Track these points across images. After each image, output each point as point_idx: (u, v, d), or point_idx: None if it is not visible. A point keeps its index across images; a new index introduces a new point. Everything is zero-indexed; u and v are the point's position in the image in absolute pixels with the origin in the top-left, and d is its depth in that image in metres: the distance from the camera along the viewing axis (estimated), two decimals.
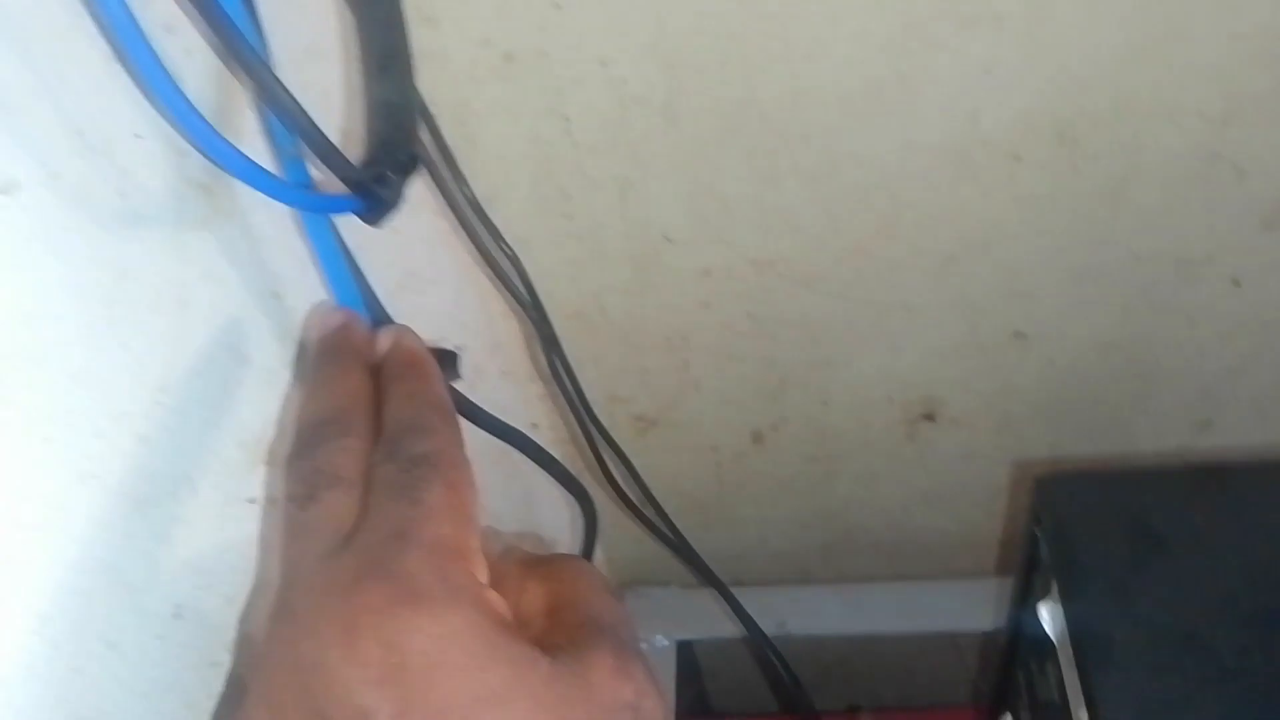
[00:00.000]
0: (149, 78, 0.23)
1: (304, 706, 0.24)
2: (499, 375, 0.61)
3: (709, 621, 0.73)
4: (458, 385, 0.38)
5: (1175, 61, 0.47)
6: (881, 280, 0.58)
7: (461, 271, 0.53)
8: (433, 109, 0.45)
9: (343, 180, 0.27)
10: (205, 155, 0.24)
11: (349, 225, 0.34)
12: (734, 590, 0.70)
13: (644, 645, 0.64)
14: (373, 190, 0.28)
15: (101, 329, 0.26)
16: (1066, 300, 0.59)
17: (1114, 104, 0.49)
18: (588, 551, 0.55)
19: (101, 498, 0.25)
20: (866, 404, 0.66)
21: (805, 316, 0.60)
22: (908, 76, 0.48)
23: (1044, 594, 0.50)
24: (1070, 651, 0.47)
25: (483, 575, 0.28)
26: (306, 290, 0.36)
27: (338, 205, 0.29)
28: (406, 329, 0.35)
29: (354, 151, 0.37)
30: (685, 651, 0.73)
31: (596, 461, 0.60)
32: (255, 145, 0.33)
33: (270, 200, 0.29)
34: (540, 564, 0.32)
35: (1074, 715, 0.47)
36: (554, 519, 0.67)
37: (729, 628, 0.72)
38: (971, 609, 0.71)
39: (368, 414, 0.31)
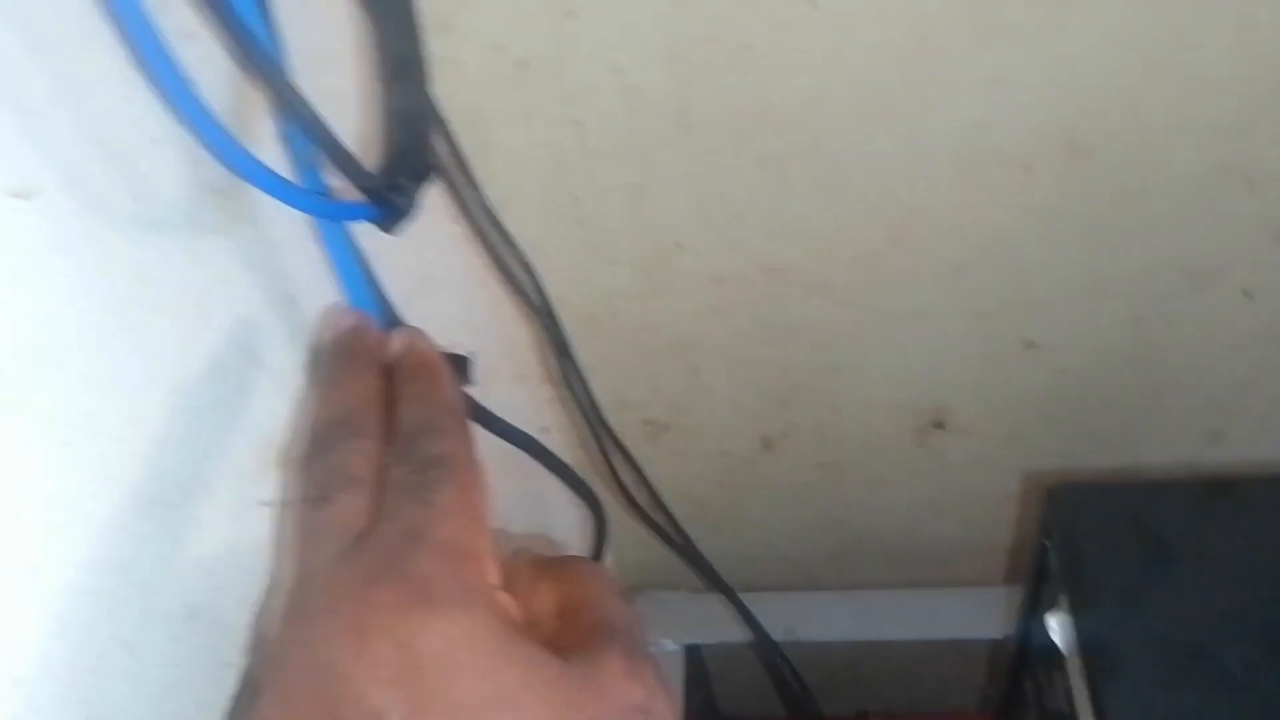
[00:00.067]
0: (167, 86, 0.23)
1: (317, 707, 0.25)
2: (511, 379, 0.61)
3: (717, 626, 0.73)
4: (470, 390, 0.38)
5: (1187, 74, 0.47)
6: (892, 288, 0.58)
7: (474, 276, 0.53)
8: (446, 114, 0.45)
9: (359, 188, 0.28)
10: (223, 163, 0.24)
11: (363, 230, 0.34)
12: (742, 595, 0.70)
13: (652, 649, 0.64)
14: (389, 198, 0.28)
15: (119, 333, 0.26)
16: (1077, 310, 0.59)
17: (1126, 115, 0.49)
18: (597, 556, 0.55)
19: (118, 500, 0.26)
20: (876, 411, 0.66)
21: (816, 323, 0.61)
22: (920, 86, 0.48)
23: (1053, 605, 0.50)
24: (1079, 662, 0.47)
25: (494, 577, 0.28)
26: (321, 294, 0.36)
27: (354, 213, 0.29)
28: (418, 331, 0.35)
29: (370, 158, 0.37)
30: (693, 656, 0.74)
31: (606, 466, 0.61)
32: (272, 151, 0.33)
33: (286, 206, 0.29)
34: (552, 565, 0.32)
35: None
36: (564, 522, 0.67)
37: (737, 633, 0.72)
38: (980, 617, 0.71)
39: (380, 415, 0.31)
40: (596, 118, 0.49)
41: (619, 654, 0.28)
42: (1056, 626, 0.50)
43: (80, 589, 0.24)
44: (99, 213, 0.25)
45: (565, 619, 0.30)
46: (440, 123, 0.43)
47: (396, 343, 0.35)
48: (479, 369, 0.46)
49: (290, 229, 0.34)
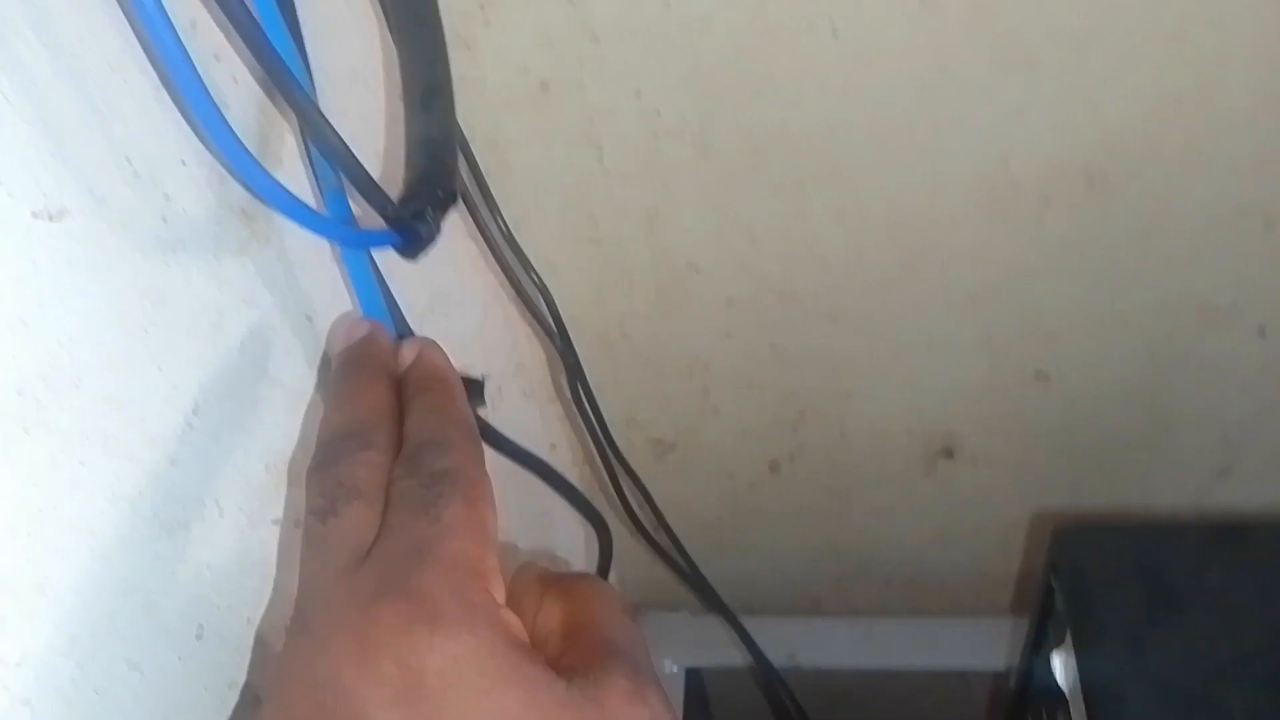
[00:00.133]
0: (196, 111, 0.23)
1: None
2: (521, 396, 0.62)
3: (719, 649, 0.73)
4: (481, 412, 0.38)
5: (1208, 112, 0.47)
6: (905, 316, 0.58)
7: (488, 294, 0.54)
8: (467, 133, 0.46)
9: (382, 216, 0.28)
10: (250, 189, 0.24)
11: (383, 251, 0.34)
12: (745, 618, 0.70)
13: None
14: (411, 226, 0.29)
15: (139, 353, 0.26)
16: (1090, 342, 0.59)
17: (1145, 151, 0.49)
18: (601, 576, 0.55)
19: (131, 520, 0.26)
20: (885, 438, 0.66)
21: (827, 349, 0.61)
22: (939, 117, 0.48)
23: (1058, 643, 0.50)
24: (1081, 703, 0.46)
25: (500, 594, 0.28)
26: (338, 313, 0.36)
27: (377, 240, 0.29)
28: (430, 342, 0.35)
29: (392, 179, 0.37)
30: (694, 678, 0.73)
31: (613, 486, 0.61)
32: (297, 170, 0.33)
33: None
34: (557, 582, 0.32)
35: None
36: (569, 538, 0.67)
37: (739, 656, 0.72)
38: (984, 648, 0.71)
39: (390, 427, 0.31)
40: (616, 140, 0.49)
41: (623, 675, 0.28)
42: (1060, 665, 0.49)
43: (89, 609, 0.24)
44: (125, 234, 0.26)
45: (570, 637, 0.30)
46: (461, 141, 0.43)
47: (408, 353, 0.34)
48: (490, 387, 0.47)
49: (310, 247, 0.34)
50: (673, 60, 0.46)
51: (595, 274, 0.57)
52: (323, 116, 0.25)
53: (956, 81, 0.47)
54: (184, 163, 0.28)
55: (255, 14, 0.26)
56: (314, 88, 0.32)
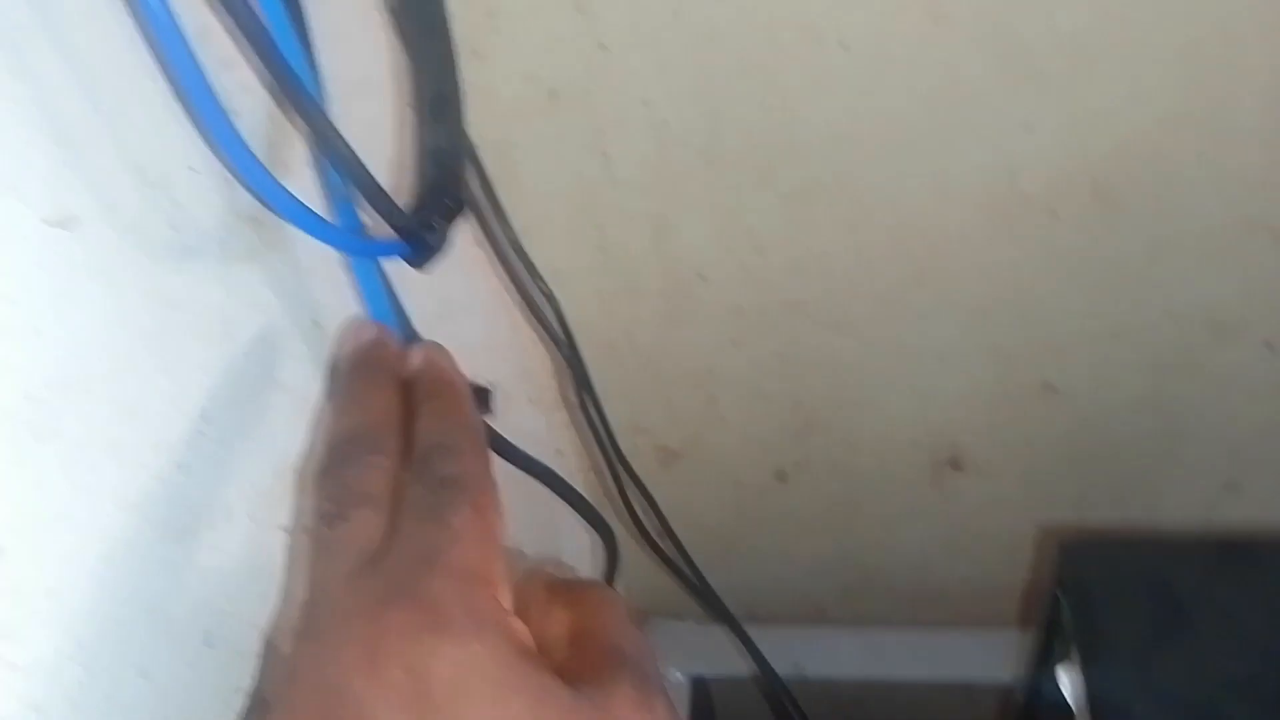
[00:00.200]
0: (207, 120, 0.24)
1: None
2: (527, 402, 0.62)
3: (724, 658, 0.72)
4: (489, 421, 0.38)
5: (1217, 127, 0.47)
6: (912, 327, 0.58)
7: (495, 300, 0.54)
8: (476, 141, 0.46)
9: (391, 226, 0.28)
10: (260, 199, 0.24)
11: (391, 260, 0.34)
12: (750, 626, 0.70)
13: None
14: (420, 236, 0.29)
15: (148, 360, 0.26)
16: (1098, 356, 0.59)
17: (1154, 166, 0.49)
18: (608, 584, 0.55)
19: (141, 526, 0.26)
20: (892, 448, 0.66)
21: (834, 359, 0.60)
22: (948, 129, 0.48)
23: (1064, 658, 0.50)
24: (1088, 718, 0.46)
25: (507, 601, 0.28)
26: (346, 318, 0.36)
27: (385, 250, 0.29)
28: (438, 346, 0.35)
29: (401, 187, 0.37)
30: (699, 687, 0.73)
31: (619, 493, 0.61)
32: (306, 177, 0.33)
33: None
34: (565, 589, 0.32)
35: None
36: (576, 545, 0.67)
37: (744, 666, 0.72)
38: (990, 660, 0.70)
39: (398, 431, 0.31)
40: (624, 149, 0.50)
41: (630, 684, 0.28)
42: (1066, 680, 0.49)
43: (98, 614, 0.24)
44: (135, 241, 0.26)
45: (577, 645, 0.30)
46: (470, 151, 0.43)
47: (416, 357, 0.34)
48: (497, 395, 0.47)
49: (319, 253, 0.34)
50: (681, 71, 0.46)
51: (603, 282, 0.57)
52: (333, 127, 0.25)
53: (964, 94, 0.47)
54: (194, 169, 0.28)
55: (265, 23, 0.26)
56: (324, 95, 0.32)
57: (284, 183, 0.31)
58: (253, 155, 0.24)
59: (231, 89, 0.30)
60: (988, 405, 0.62)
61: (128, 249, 0.26)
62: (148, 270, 0.26)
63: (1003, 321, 0.57)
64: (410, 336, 0.36)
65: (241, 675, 0.30)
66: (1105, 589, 0.49)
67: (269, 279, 0.32)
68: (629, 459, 0.61)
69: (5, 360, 0.22)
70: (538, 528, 0.64)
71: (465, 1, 0.44)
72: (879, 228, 0.53)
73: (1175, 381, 0.60)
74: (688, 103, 0.47)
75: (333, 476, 0.30)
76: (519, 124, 0.48)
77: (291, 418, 0.33)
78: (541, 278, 0.50)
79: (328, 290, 0.36)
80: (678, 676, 0.73)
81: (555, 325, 0.51)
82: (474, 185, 0.45)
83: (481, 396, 0.37)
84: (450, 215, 0.30)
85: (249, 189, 0.25)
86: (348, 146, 0.25)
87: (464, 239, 0.49)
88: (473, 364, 0.51)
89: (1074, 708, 0.49)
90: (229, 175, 0.29)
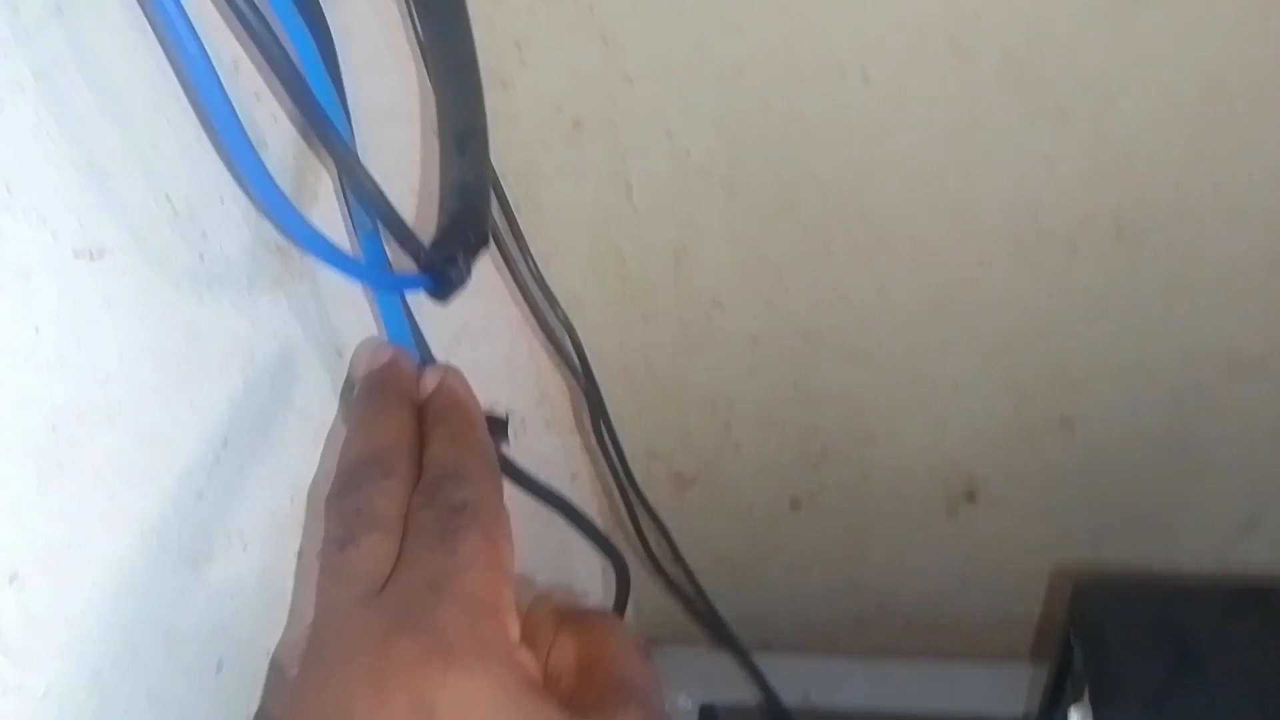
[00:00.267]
0: (237, 158, 0.24)
1: None
2: (544, 426, 0.62)
3: (734, 686, 0.72)
4: (504, 449, 0.38)
5: (1241, 166, 0.47)
6: (930, 359, 0.58)
7: (514, 327, 0.54)
8: (500, 168, 0.46)
9: (414, 261, 0.28)
10: (286, 234, 0.25)
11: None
12: (761, 654, 0.69)
13: (667, 706, 0.64)
14: (443, 270, 0.29)
15: (171, 389, 0.27)
16: (1116, 391, 0.58)
17: (1176, 203, 0.49)
18: (619, 613, 0.55)
19: (157, 553, 0.26)
20: (908, 479, 0.66)
21: (851, 389, 0.60)
22: (969, 163, 0.48)
23: (1076, 698, 0.49)
24: None
25: (514, 631, 0.28)
26: (363, 339, 0.37)
27: (408, 284, 0.30)
28: (453, 370, 0.35)
29: (426, 213, 0.38)
30: (708, 715, 0.73)
31: (631, 521, 0.61)
32: (332, 207, 0.34)
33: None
34: (573, 617, 0.32)
35: None
36: (588, 569, 0.67)
37: (754, 694, 0.71)
38: (1001, 694, 0.70)
39: (410, 454, 0.31)
40: (646, 179, 0.50)
41: (636, 717, 0.28)
42: None
43: (113, 642, 0.24)
44: (163, 271, 0.26)
45: (584, 675, 0.30)
46: (493, 179, 0.43)
47: (430, 379, 0.34)
48: (514, 415, 0.47)
49: (342, 280, 0.35)
50: (704, 103, 0.46)
51: (621, 307, 0.57)
52: (359, 163, 0.26)
53: (987, 129, 0.47)
54: (222, 200, 0.29)
55: (294, 58, 0.26)
56: (351, 125, 0.33)
57: (311, 211, 0.31)
58: (280, 191, 0.24)
59: (262, 119, 0.31)
60: (1004, 438, 0.62)
61: (155, 279, 0.26)
62: (174, 300, 0.27)
63: (1021, 355, 0.57)
64: (427, 360, 0.36)
65: (252, 702, 0.31)
66: (1118, 631, 0.49)
67: (293, 307, 0.32)
68: (644, 484, 0.61)
69: (30, 390, 0.22)
70: (551, 552, 0.64)
71: (492, 32, 0.44)
72: (898, 259, 0.53)
73: (1193, 419, 0.59)
74: (710, 134, 0.48)
75: (343, 500, 0.30)
76: (542, 151, 0.49)
77: (310, 445, 0.33)
78: (560, 307, 0.50)
79: (350, 317, 0.36)
80: (686, 703, 0.73)
81: (572, 355, 0.51)
82: (496, 214, 0.46)
83: (498, 425, 0.37)
84: (473, 250, 0.30)
85: (276, 225, 0.25)
86: (374, 183, 0.26)
87: (485, 266, 0.49)
88: (491, 388, 0.52)
89: None
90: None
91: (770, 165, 0.49)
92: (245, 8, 0.23)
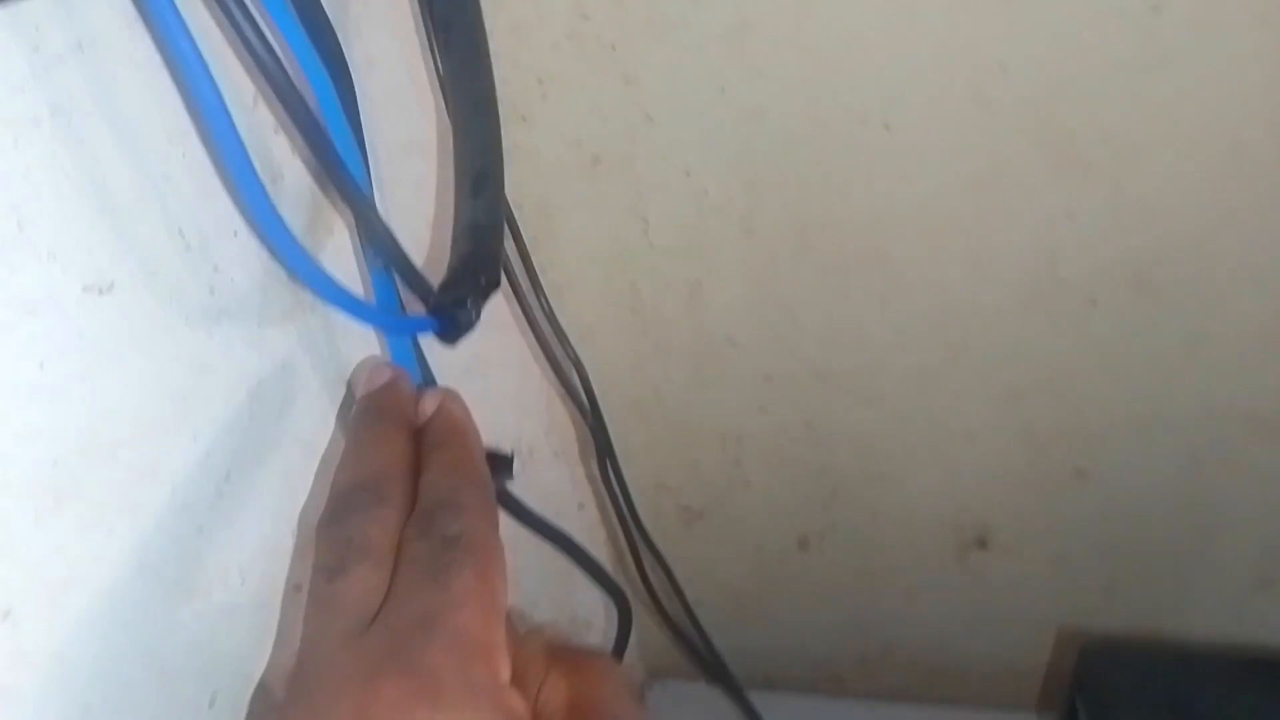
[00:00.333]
0: (249, 201, 0.24)
1: None
2: (552, 455, 0.62)
3: None
4: (509, 485, 0.38)
5: (1261, 224, 0.47)
6: (944, 405, 0.58)
7: (525, 357, 0.54)
8: (518, 200, 0.46)
9: (424, 304, 0.28)
10: (298, 279, 0.25)
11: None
12: (764, 693, 0.69)
13: None
14: (452, 314, 0.29)
15: (176, 421, 0.27)
16: (1132, 444, 0.58)
17: (1197, 260, 0.48)
18: (620, 651, 0.54)
19: (154, 587, 0.26)
20: (918, 523, 0.65)
21: (863, 431, 0.60)
22: (989, 213, 0.48)
23: None
24: None
25: (505, 671, 0.27)
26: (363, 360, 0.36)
27: (418, 327, 0.30)
28: (452, 393, 0.35)
29: (440, 246, 0.38)
30: None
31: (633, 558, 0.60)
32: (346, 244, 0.34)
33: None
34: (566, 657, 0.31)
35: None
36: (591, 600, 0.67)
37: None
38: None
39: (405, 481, 0.31)
40: (663, 215, 0.50)
41: None
42: None
43: (107, 678, 0.24)
44: (171, 305, 0.26)
45: (574, 716, 0.30)
46: (508, 214, 0.43)
47: (429, 403, 0.34)
48: (520, 456, 0.47)
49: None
50: (724, 144, 0.46)
51: (633, 341, 0.57)
52: (373, 209, 0.26)
53: (1007, 179, 0.47)
54: (235, 233, 0.29)
55: (310, 97, 0.26)
56: (368, 160, 0.33)
57: (326, 242, 0.31)
58: (290, 234, 0.24)
59: (279, 152, 0.31)
60: (1017, 487, 0.61)
61: (164, 313, 0.26)
62: (183, 334, 0.27)
63: (1036, 404, 0.57)
64: (428, 382, 0.36)
65: None
66: (1123, 696, 0.48)
67: (302, 339, 0.32)
68: (651, 516, 0.61)
69: (33, 425, 0.22)
70: (554, 581, 0.64)
71: (516, 67, 0.44)
72: (914, 304, 0.53)
73: (1210, 475, 0.58)
74: (729, 174, 0.48)
75: (334, 528, 0.29)
76: (560, 186, 0.49)
77: (312, 476, 0.33)
78: (570, 344, 0.50)
79: (359, 348, 0.36)
80: None
81: (580, 393, 0.51)
82: (510, 245, 0.46)
83: (501, 462, 0.36)
84: (483, 293, 0.30)
85: (284, 266, 0.25)
86: (385, 229, 0.26)
87: (498, 300, 0.49)
88: (501, 416, 0.52)
89: None
90: None
91: (788, 206, 0.49)
92: (261, 50, 0.23)
